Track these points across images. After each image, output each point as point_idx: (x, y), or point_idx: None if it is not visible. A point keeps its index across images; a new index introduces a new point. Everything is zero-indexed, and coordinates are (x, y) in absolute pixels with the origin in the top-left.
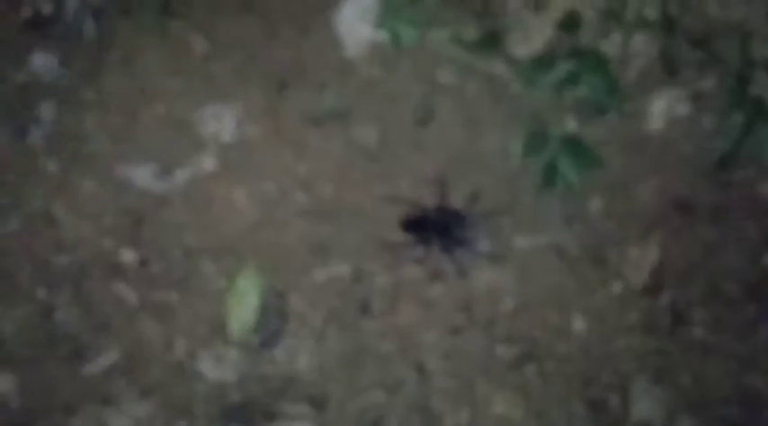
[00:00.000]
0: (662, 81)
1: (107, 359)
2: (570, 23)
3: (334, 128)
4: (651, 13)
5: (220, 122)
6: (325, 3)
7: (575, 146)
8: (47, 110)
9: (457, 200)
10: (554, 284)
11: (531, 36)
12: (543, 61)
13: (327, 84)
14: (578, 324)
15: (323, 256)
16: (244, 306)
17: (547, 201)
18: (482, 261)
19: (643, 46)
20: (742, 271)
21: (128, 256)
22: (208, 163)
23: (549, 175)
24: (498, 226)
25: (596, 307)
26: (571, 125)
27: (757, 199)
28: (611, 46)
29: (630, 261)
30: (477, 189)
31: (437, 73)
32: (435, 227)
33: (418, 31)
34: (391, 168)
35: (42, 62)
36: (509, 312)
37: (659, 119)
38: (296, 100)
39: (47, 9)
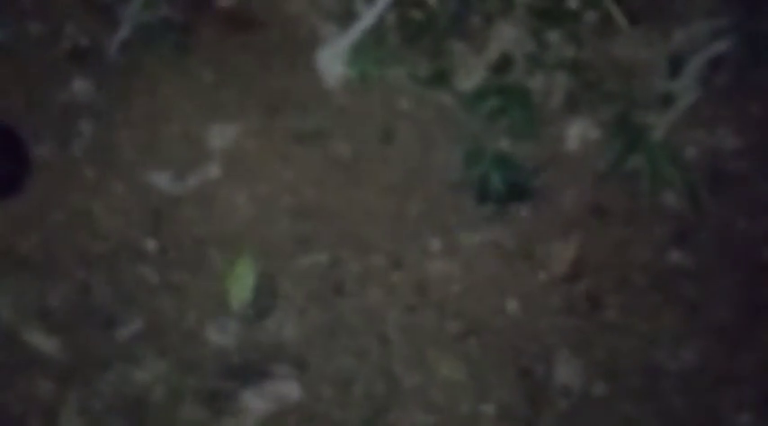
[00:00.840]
0: (577, 110)
1: (133, 327)
2: (503, 64)
3: (316, 144)
4: (570, 53)
5: (224, 138)
6: (309, 43)
7: (505, 162)
8: (85, 127)
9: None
10: (493, 272)
11: (472, 73)
12: (479, 95)
13: (310, 109)
14: (511, 306)
15: (306, 246)
16: (242, 285)
17: (487, 205)
18: (434, 253)
19: (563, 81)
20: (648, 265)
21: (150, 244)
22: (214, 170)
23: (484, 185)
24: (448, 225)
25: (526, 292)
26: (505, 145)
27: (661, 205)
28: (536, 81)
29: (554, 255)
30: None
31: (397, 101)
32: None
33: (381, 68)
34: (361, 177)
35: (81, 86)
36: (456, 294)
37: (575, 141)
38: (285, 121)
39: (84, 42)
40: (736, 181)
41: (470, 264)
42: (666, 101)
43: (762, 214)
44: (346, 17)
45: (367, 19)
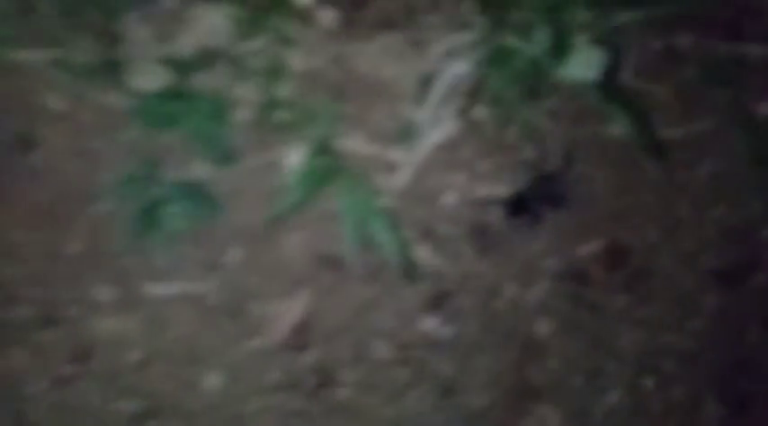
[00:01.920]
0: (298, 134)
1: None
2: (199, 62)
3: None
4: (295, 59)
5: None
6: None
7: (189, 191)
8: None
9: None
10: (188, 336)
11: (155, 69)
12: (160, 98)
13: None
14: (211, 380)
15: None
16: None
17: (183, 248)
18: (104, 306)
19: (280, 94)
20: (394, 333)
21: None
22: None
23: (148, 221)
24: (125, 271)
25: (233, 363)
26: (201, 170)
27: (413, 262)
28: (246, 91)
29: (273, 316)
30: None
31: (42, 97)
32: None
33: (13, 47)
34: None
35: None
36: (134, 364)
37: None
38: None
39: None
40: (507, 239)
41: (156, 324)
42: (411, 132)
43: (536, 278)
44: None
45: None
